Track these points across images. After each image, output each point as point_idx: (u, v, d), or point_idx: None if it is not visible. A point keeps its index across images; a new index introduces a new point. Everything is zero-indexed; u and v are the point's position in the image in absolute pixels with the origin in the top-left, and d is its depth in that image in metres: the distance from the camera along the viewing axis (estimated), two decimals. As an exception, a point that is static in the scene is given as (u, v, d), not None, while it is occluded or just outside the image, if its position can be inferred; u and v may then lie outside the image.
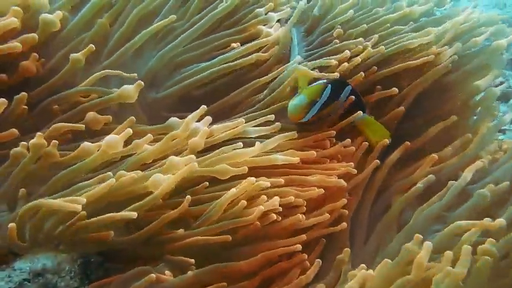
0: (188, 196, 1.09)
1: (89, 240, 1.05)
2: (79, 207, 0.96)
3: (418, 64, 1.53)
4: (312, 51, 1.56)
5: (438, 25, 1.59)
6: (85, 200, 0.98)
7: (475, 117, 1.61)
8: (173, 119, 1.22)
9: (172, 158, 1.08)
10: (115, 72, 1.26)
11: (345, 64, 1.46)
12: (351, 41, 1.53)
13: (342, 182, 1.29)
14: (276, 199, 1.14)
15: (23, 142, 1.05)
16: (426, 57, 1.52)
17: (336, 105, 1.42)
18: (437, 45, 1.56)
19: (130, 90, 1.19)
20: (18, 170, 1.04)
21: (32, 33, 1.17)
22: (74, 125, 1.16)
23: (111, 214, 1.01)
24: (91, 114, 1.20)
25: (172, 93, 1.40)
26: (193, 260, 1.10)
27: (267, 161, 1.23)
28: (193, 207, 1.14)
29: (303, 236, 1.18)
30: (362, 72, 1.48)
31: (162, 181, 1.04)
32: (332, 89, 1.38)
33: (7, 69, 1.20)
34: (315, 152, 1.31)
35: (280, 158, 1.24)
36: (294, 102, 1.34)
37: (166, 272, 1.09)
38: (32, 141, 1.03)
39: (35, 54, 1.20)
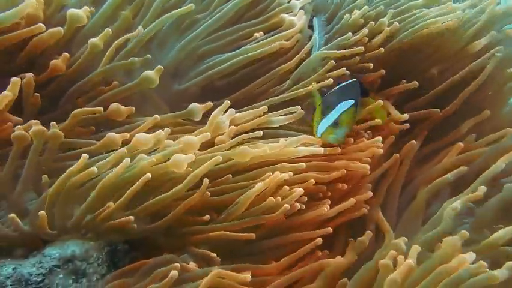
0: (206, 179, 1.10)
1: (113, 227, 1.08)
2: (95, 169, 1.00)
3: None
4: (331, 41, 1.54)
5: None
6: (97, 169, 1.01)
7: (507, 108, 1.55)
8: (194, 105, 1.24)
9: (188, 137, 1.09)
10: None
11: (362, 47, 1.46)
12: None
13: (367, 167, 1.28)
14: (300, 191, 1.14)
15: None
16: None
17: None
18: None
19: (151, 75, 1.20)
20: (31, 156, 1.06)
21: (58, 27, 1.20)
22: (92, 108, 1.17)
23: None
24: (113, 105, 1.21)
25: (194, 84, 1.42)
26: (215, 255, 1.12)
27: (290, 154, 1.23)
28: (216, 197, 1.15)
29: (329, 229, 1.19)
30: (381, 49, 1.48)
31: (184, 160, 1.05)
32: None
33: (35, 65, 1.23)
34: (339, 148, 1.30)
35: (302, 150, 1.23)
36: (322, 129, 1.30)
37: (191, 263, 1.11)
38: (47, 131, 1.06)
39: (66, 54, 1.22)
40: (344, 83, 1.42)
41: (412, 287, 0.94)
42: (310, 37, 1.55)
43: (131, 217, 1.05)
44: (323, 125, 1.30)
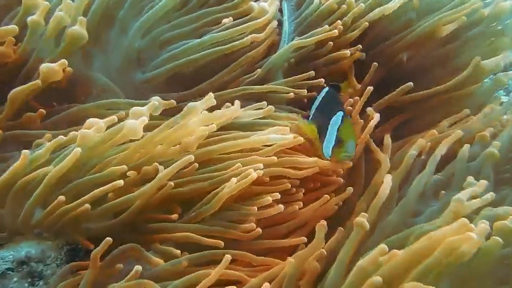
0: (171, 183, 1.06)
1: (69, 223, 1.02)
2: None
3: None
4: (301, 26, 1.53)
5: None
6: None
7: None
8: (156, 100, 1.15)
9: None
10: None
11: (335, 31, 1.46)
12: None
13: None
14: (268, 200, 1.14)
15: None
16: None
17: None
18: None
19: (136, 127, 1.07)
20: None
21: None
22: (28, 85, 1.10)
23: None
24: (44, 67, 1.11)
25: (159, 74, 1.36)
26: (179, 252, 1.08)
27: (260, 143, 1.20)
28: (182, 189, 1.11)
29: (304, 238, 1.18)
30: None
31: (138, 124, 1.00)
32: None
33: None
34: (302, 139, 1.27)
35: (273, 138, 1.20)
36: (347, 154, 1.28)
37: (155, 259, 1.06)
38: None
39: (11, 38, 1.15)
40: (322, 96, 1.40)
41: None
42: (279, 22, 1.52)
43: (88, 205, 0.98)
44: (327, 148, 1.28)
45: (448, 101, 1.54)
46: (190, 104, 1.07)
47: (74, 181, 1.02)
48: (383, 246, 0.90)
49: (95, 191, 1.00)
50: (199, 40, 1.38)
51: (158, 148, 1.08)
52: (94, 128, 1.00)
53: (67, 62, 1.11)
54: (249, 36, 1.39)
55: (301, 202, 1.23)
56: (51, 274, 0.99)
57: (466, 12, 1.50)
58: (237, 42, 1.39)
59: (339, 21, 1.48)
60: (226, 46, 1.38)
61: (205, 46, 1.38)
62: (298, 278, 1.06)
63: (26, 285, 0.97)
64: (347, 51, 1.49)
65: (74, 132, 1.04)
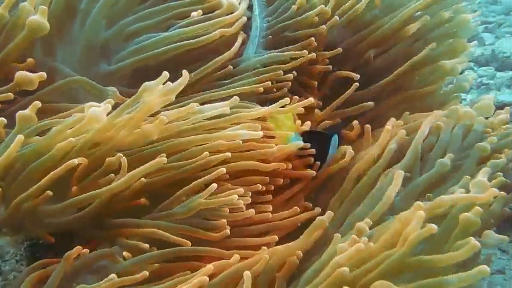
0: (143, 179, 1.05)
1: (30, 216, 0.99)
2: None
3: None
4: (273, 22, 1.54)
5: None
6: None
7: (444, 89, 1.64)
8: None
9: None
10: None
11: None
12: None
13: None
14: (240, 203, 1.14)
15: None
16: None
17: None
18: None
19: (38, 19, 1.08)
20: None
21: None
22: None
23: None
24: (20, 74, 1.07)
25: (125, 66, 1.35)
26: (147, 245, 1.06)
27: (230, 138, 1.20)
28: (150, 180, 1.10)
29: (275, 237, 1.19)
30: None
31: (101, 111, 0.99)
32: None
33: None
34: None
35: (243, 133, 1.21)
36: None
37: (124, 253, 1.04)
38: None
39: None
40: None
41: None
42: (249, 18, 1.53)
43: (49, 192, 0.95)
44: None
45: (410, 99, 1.60)
46: (146, 83, 1.06)
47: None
48: (359, 244, 0.93)
49: (50, 173, 0.97)
50: (166, 34, 1.38)
51: (120, 134, 1.06)
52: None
53: (45, 75, 1.07)
54: (217, 31, 1.39)
55: (271, 206, 1.24)
56: (11, 270, 0.97)
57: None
58: (205, 37, 1.39)
59: (312, 38, 1.50)
60: (193, 41, 1.38)
61: (172, 40, 1.37)
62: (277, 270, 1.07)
63: (-16, 281, 0.94)
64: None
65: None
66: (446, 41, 1.62)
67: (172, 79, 1.35)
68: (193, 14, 1.41)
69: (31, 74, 1.05)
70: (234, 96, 1.26)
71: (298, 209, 1.26)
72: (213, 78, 1.46)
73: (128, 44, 1.37)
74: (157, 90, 1.05)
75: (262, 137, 1.23)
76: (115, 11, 1.34)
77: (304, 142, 1.32)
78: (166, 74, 1.07)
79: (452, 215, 1.02)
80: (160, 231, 1.07)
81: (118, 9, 1.36)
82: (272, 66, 1.46)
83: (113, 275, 0.94)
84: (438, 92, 1.67)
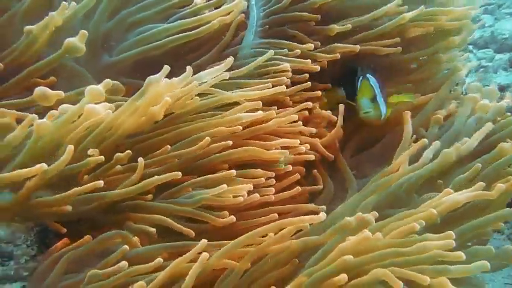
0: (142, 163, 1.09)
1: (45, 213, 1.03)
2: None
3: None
4: (271, 9, 1.56)
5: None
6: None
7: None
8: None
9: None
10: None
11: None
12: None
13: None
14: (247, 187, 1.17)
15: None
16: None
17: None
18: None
19: (75, 42, 1.13)
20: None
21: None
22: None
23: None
24: (39, 89, 1.08)
25: (127, 57, 1.38)
26: (154, 230, 1.10)
27: (231, 122, 1.24)
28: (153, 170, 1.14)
29: (275, 215, 1.21)
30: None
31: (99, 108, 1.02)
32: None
33: None
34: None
35: (244, 116, 1.25)
36: (367, 112, 1.44)
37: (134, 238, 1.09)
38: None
39: None
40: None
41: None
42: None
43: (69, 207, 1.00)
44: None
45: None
46: (150, 77, 1.10)
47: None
48: (367, 233, 0.97)
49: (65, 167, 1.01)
50: (166, 26, 1.41)
51: (127, 122, 1.10)
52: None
53: (63, 94, 1.07)
54: (215, 20, 1.42)
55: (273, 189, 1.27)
56: (22, 255, 1.01)
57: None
58: (204, 27, 1.42)
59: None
60: (193, 32, 1.41)
61: (172, 32, 1.40)
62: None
63: (-4, 265, 0.99)
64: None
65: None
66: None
67: (172, 70, 1.41)
68: (196, 0, 1.44)
69: (50, 91, 1.06)
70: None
71: (300, 188, 1.30)
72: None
73: (130, 34, 1.40)
74: (163, 84, 1.09)
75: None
76: (117, 1, 1.37)
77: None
78: (167, 68, 1.12)
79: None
80: (168, 219, 1.11)
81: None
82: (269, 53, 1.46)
83: (123, 263, 0.98)
84: (437, 77, 1.69)
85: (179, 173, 1.11)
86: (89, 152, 1.05)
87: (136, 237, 1.09)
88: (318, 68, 1.48)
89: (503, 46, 2.23)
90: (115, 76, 1.32)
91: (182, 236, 1.12)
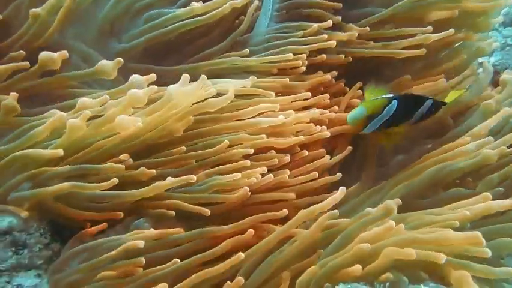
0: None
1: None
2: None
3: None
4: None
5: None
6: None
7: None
8: (136, 78, 1.13)
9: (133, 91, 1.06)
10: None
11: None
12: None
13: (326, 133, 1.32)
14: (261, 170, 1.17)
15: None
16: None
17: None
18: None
19: (108, 67, 1.13)
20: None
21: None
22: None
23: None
24: (44, 55, 1.10)
25: (138, 44, 1.37)
26: (173, 213, 1.11)
27: (250, 126, 1.22)
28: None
29: (285, 211, 1.18)
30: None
31: (129, 122, 1.03)
32: (399, 105, 1.29)
33: None
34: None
35: (263, 121, 1.23)
36: (352, 114, 1.30)
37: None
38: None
39: None
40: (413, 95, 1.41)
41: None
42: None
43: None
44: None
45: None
46: (170, 87, 1.10)
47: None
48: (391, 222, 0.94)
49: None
50: (177, 12, 1.38)
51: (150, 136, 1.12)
52: (81, 118, 1.02)
53: (67, 54, 1.11)
54: (227, 4, 1.40)
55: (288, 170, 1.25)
56: (35, 243, 1.02)
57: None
58: (216, 11, 1.39)
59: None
60: (204, 17, 1.38)
61: (183, 18, 1.38)
62: None
63: (10, 253, 0.99)
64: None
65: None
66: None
67: (181, 54, 1.39)
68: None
69: (54, 54, 1.09)
70: (252, 76, 1.27)
71: (317, 174, 1.27)
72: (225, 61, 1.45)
73: (138, 19, 1.39)
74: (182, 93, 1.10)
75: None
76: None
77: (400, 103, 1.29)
78: (186, 77, 1.12)
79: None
80: (184, 203, 1.11)
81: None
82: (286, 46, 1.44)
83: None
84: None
85: (194, 177, 1.11)
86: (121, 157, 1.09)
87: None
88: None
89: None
90: (125, 62, 1.31)
91: (198, 220, 1.13)
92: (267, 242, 1.05)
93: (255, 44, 1.49)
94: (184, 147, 1.17)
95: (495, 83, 1.59)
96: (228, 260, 1.00)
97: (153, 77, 1.13)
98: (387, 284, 0.88)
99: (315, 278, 0.95)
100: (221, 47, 1.46)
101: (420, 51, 1.47)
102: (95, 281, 0.99)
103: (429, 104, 1.35)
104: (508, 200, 1.02)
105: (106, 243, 1.02)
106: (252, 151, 1.18)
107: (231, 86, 1.22)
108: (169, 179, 1.08)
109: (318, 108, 1.37)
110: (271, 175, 1.18)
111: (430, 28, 1.48)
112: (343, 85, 1.50)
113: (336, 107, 1.42)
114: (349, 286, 0.88)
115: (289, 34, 1.47)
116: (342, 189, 1.07)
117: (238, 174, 1.14)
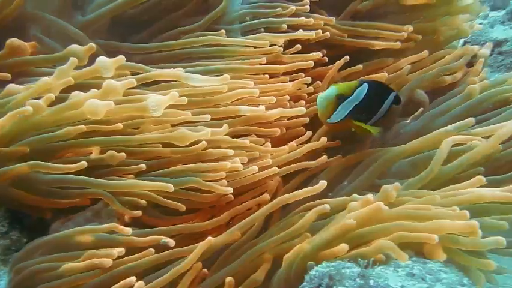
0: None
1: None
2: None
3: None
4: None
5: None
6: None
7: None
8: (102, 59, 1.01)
9: (109, 81, 0.97)
10: None
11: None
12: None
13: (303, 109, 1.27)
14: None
15: None
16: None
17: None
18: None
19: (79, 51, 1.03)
20: None
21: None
22: None
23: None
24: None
25: (101, 15, 1.28)
26: (145, 202, 1.05)
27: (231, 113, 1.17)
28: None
29: (267, 196, 1.17)
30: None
31: (100, 106, 0.94)
32: (370, 89, 1.24)
33: None
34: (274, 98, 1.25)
35: (243, 109, 1.18)
36: (321, 94, 1.23)
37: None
38: None
39: None
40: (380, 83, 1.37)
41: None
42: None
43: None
44: None
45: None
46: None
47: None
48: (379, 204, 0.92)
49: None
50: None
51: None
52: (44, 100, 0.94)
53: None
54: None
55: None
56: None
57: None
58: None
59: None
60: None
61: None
62: None
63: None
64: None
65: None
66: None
67: (152, 29, 1.31)
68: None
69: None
70: (225, 75, 1.15)
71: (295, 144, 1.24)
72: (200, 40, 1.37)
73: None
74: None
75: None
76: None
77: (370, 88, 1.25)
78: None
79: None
80: (159, 197, 1.06)
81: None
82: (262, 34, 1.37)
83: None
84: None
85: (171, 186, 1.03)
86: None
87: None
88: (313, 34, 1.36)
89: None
90: (90, 38, 1.22)
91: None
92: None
93: (229, 21, 1.42)
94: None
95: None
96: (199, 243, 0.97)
97: (121, 59, 1.01)
98: (371, 259, 0.86)
99: (303, 254, 0.93)
100: (196, 27, 1.37)
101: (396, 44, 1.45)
102: (61, 272, 0.91)
103: (393, 97, 1.32)
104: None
105: (76, 235, 0.96)
106: (232, 152, 1.11)
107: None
108: (150, 182, 1.02)
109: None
110: (255, 167, 1.13)
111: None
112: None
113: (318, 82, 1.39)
114: (333, 264, 0.85)
115: (266, 11, 1.40)
116: (323, 183, 1.07)
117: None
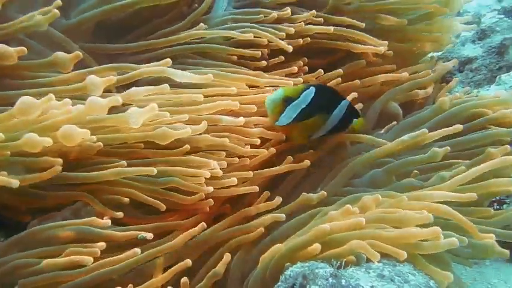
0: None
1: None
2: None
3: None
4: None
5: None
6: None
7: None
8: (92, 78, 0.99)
9: (94, 98, 0.94)
10: None
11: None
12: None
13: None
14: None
15: None
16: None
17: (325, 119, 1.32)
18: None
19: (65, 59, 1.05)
20: None
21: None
22: None
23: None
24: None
25: (86, 19, 1.30)
26: (127, 200, 1.07)
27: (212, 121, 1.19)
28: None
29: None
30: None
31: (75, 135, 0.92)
32: (317, 93, 1.27)
33: None
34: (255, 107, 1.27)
35: (224, 119, 1.20)
36: (269, 96, 1.26)
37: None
38: None
39: None
40: (329, 88, 1.39)
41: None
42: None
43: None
44: None
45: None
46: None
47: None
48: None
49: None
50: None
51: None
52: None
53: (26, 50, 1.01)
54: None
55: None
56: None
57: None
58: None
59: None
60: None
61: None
62: None
63: None
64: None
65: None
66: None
67: (137, 33, 1.34)
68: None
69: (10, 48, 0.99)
70: (208, 74, 1.16)
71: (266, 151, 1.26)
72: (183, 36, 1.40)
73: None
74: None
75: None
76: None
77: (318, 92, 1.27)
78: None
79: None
80: (139, 193, 1.07)
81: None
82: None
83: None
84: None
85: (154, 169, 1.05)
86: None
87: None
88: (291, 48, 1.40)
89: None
90: (74, 42, 1.24)
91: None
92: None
93: (212, 25, 1.45)
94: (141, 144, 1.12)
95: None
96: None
97: (112, 79, 1.00)
98: (344, 260, 0.90)
99: (278, 255, 0.97)
100: (179, 26, 1.40)
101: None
102: (41, 268, 0.92)
103: (345, 105, 1.34)
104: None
105: (55, 229, 0.96)
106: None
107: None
108: (131, 169, 1.04)
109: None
110: (234, 179, 1.16)
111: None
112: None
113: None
114: (307, 264, 0.89)
115: (249, 17, 1.44)
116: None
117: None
